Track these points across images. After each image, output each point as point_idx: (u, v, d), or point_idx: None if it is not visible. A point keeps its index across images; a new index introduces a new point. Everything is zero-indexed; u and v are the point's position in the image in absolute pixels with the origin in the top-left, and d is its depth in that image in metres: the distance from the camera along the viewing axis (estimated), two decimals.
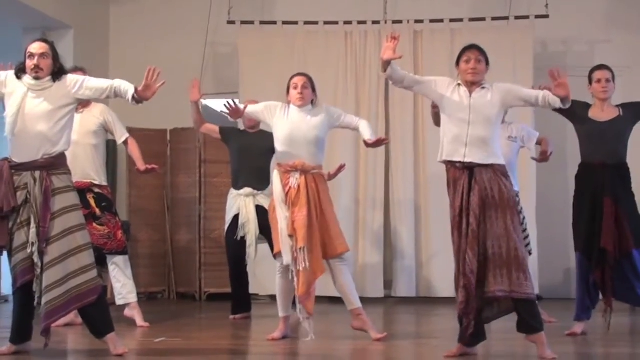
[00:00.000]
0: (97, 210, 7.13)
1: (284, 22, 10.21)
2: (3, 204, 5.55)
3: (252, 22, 10.22)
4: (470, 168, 5.66)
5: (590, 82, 6.92)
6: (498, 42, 9.43)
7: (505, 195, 5.62)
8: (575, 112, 6.69)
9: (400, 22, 10.03)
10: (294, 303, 6.64)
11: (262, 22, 10.26)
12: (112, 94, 5.75)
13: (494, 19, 9.97)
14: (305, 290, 6.32)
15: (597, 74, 6.90)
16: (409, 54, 9.68)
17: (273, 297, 7.24)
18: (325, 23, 10.14)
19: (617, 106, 6.86)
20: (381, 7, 10.26)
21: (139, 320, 7.36)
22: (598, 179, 6.74)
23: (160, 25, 10.85)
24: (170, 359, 5.88)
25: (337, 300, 7.48)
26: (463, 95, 5.76)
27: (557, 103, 5.69)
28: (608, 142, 6.76)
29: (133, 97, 5.66)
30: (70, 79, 5.76)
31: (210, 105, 10.56)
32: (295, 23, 10.18)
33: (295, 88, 6.61)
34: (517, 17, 9.94)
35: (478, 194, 5.60)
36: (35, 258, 5.53)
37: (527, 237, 7.49)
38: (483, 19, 9.98)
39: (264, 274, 9.06)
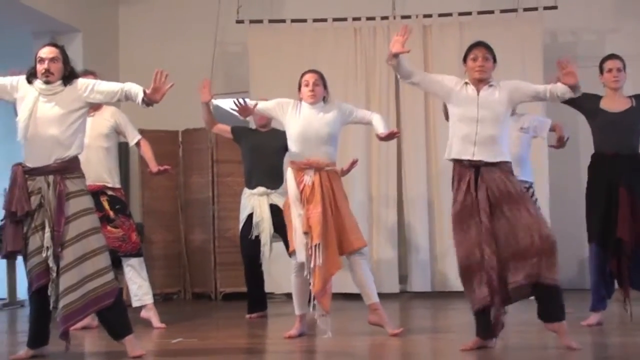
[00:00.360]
0: (111, 213, 7.13)
1: (293, 20, 10.22)
2: (17, 208, 5.56)
3: (261, 21, 10.23)
4: (477, 166, 5.66)
5: (602, 72, 6.90)
6: (507, 35, 9.44)
7: (516, 189, 5.64)
8: (584, 105, 6.70)
9: (409, 17, 10.00)
10: (310, 301, 6.65)
11: (271, 21, 10.26)
12: (123, 97, 5.75)
13: (502, 11, 9.94)
14: (321, 288, 6.32)
15: (608, 64, 6.88)
16: (419, 48, 9.67)
17: (289, 296, 7.24)
18: (334, 20, 10.14)
19: (630, 97, 6.84)
20: (390, 3, 10.24)
21: (156, 322, 7.37)
22: (611, 169, 6.72)
23: (169, 26, 10.86)
24: (188, 359, 5.89)
25: (353, 297, 7.49)
26: (471, 93, 5.77)
27: (567, 93, 5.68)
28: (621, 133, 6.75)
29: (143, 99, 5.66)
30: (81, 82, 5.77)
31: (221, 105, 10.56)
32: (304, 21, 10.19)
33: (307, 85, 6.60)
34: (525, 9, 9.90)
35: (485, 191, 5.61)
36: (50, 262, 5.53)
37: None
38: (492, 12, 9.95)
39: (279, 273, 9.05)
